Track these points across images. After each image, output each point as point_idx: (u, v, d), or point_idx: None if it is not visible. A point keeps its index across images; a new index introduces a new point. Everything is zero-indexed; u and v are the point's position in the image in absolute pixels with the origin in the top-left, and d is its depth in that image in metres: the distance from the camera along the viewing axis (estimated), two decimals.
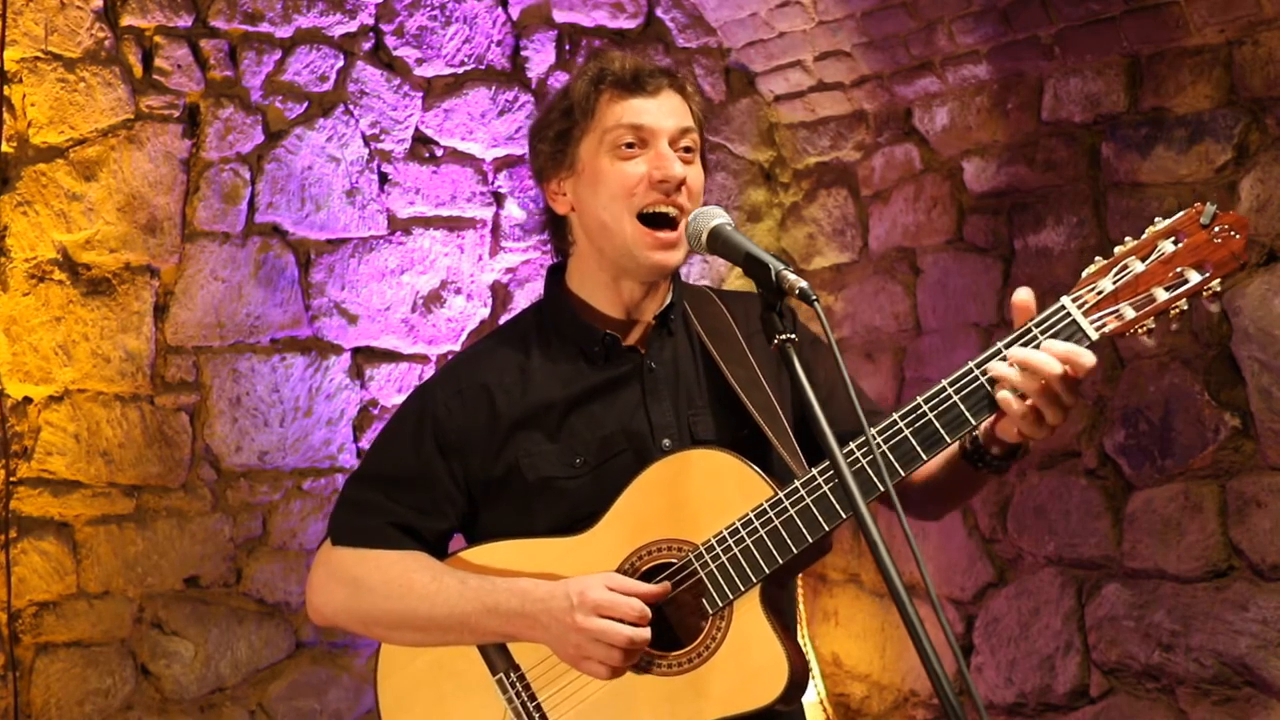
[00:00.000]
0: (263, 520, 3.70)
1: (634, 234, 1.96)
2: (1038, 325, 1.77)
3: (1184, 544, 3.32)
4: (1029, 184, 3.66)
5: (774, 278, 1.71)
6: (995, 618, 3.77)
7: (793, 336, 1.70)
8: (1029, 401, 1.75)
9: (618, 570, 1.93)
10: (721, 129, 4.34)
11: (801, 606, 4.18)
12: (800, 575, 4.09)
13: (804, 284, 1.67)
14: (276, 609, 3.69)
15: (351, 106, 3.76)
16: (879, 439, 1.81)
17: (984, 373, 1.79)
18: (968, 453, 1.91)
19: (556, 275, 2.13)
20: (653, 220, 1.98)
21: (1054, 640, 3.62)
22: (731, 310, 2.12)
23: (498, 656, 1.99)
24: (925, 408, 1.80)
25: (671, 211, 1.96)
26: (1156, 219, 1.79)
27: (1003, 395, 1.75)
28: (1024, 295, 1.81)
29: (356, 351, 3.77)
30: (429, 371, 3.84)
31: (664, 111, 1.98)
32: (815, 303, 1.65)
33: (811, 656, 4.10)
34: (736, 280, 4.34)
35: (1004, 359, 1.77)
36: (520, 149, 4.00)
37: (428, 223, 3.88)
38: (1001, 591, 3.74)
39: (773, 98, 4.36)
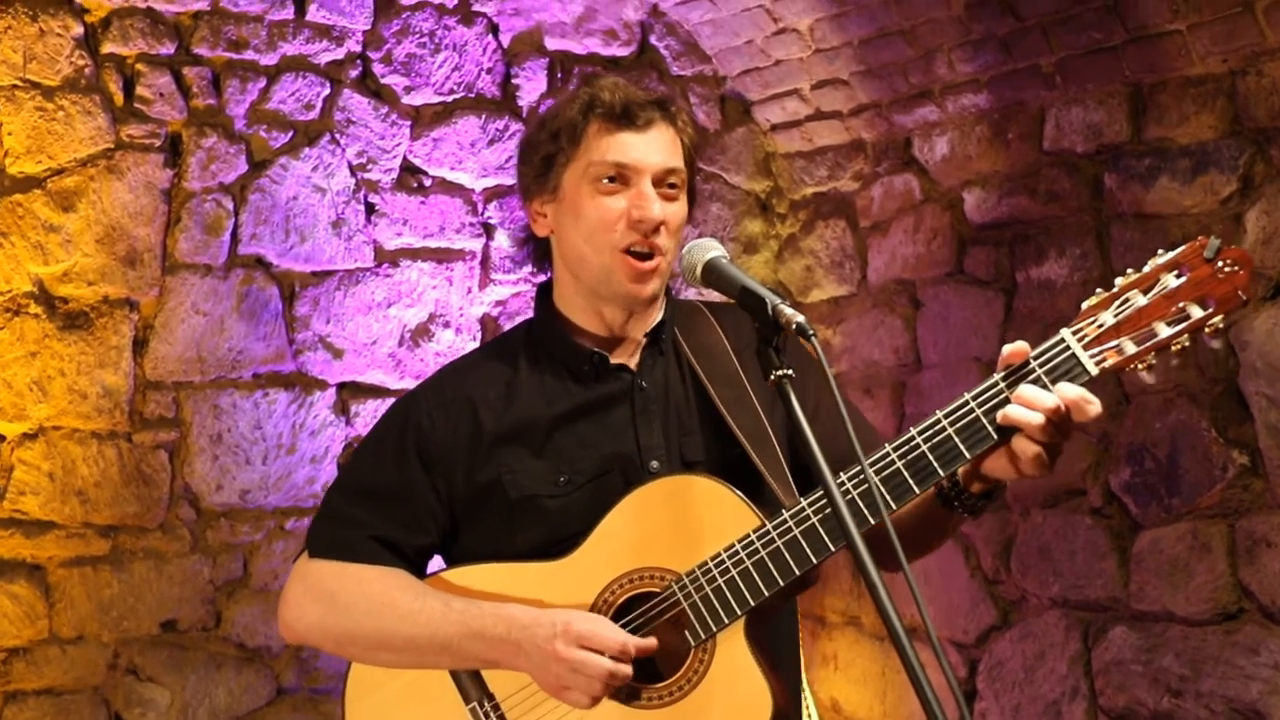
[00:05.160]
0: (243, 561, 3.68)
1: (613, 262, 1.98)
2: (1036, 358, 1.78)
3: (1192, 585, 3.31)
4: (1031, 215, 3.67)
5: (770, 312, 1.72)
6: (999, 661, 3.75)
7: (789, 373, 1.71)
8: (1036, 442, 1.76)
9: (598, 597, 1.93)
10: (717, 158, 4.35)
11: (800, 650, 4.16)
12: (799, 617, 4.07)
13: (801, 318, 1.69)
14: (257, 654, 3.65)
15: (338, 135, 3.77)
16: (872, 470, 1.80)
17: (980, 404, 1.79)
18: (943, 492, 1.91)
19: (546, 293, 2.14)
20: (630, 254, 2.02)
21: (1060, 685, 3.60)
22: (723, 324, 2.12)
23: (472, 685, 1.98)
24: (919, 439, 1.80)
25: (647, 251, 1.98)
26: (1160, 251, 1.79)
27: (1017, 434, 1.76)
28: (1018, 345, 1.81)
29: (342, 387, 3.77)
30: None
31: (652, 148, 1.99)
32: (813, 338, 1.66)
33: (810, 702, 4.08)
34: None
35: (1007, 396, 1.78)
36: (511, 179, 3.94)
37: (415, 254, 3.88)
38: (1005, 634, 3.73)
39: (769, 126, 4.38)
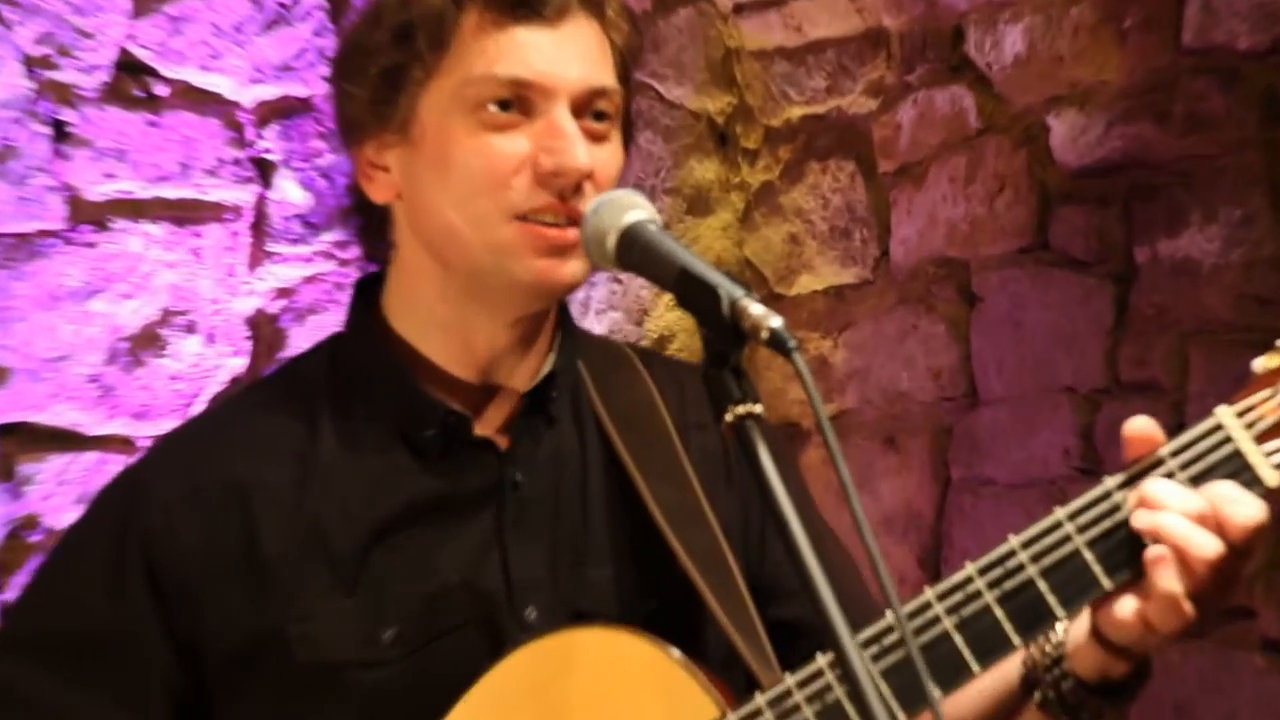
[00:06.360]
0: None
1: (508, 236, 1.99)
2: (1174, 454, 1.82)
3: None
4: (1160, 155, 3.68)
5: (726, 310, 1.70)
6: None
7: (756, 410, 1.69)
8: (1192, 572, 1.79)
9: None
10: (647, 59, 4.26)
11: None
12: None
13: (777, 322, 1.66)
14: None
15: (4, 9, 3.59)
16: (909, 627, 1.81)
17: (1082, 528, 1.83)
18: (1033, 673, 1.94)
19: (368, 298, 2.13)
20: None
21: None
22: (660, 385, 2.15)
23: None
24: (979, 581, 1.84)
25: (563, 218, 2.00)
26: None
27: (1155, 565, 1.80)
28: (1141, 425, 1.83)
29: (5, 432, 3.63)
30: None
31: (568, 55, 2.01)
32: (794, 352, 1.64)
33: None
34: (667, 314, 4.32)
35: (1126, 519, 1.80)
36: (303, 87, 3.93)
37: (139, 210, 3.78)
38: None
39: (732, 6, 4.36)
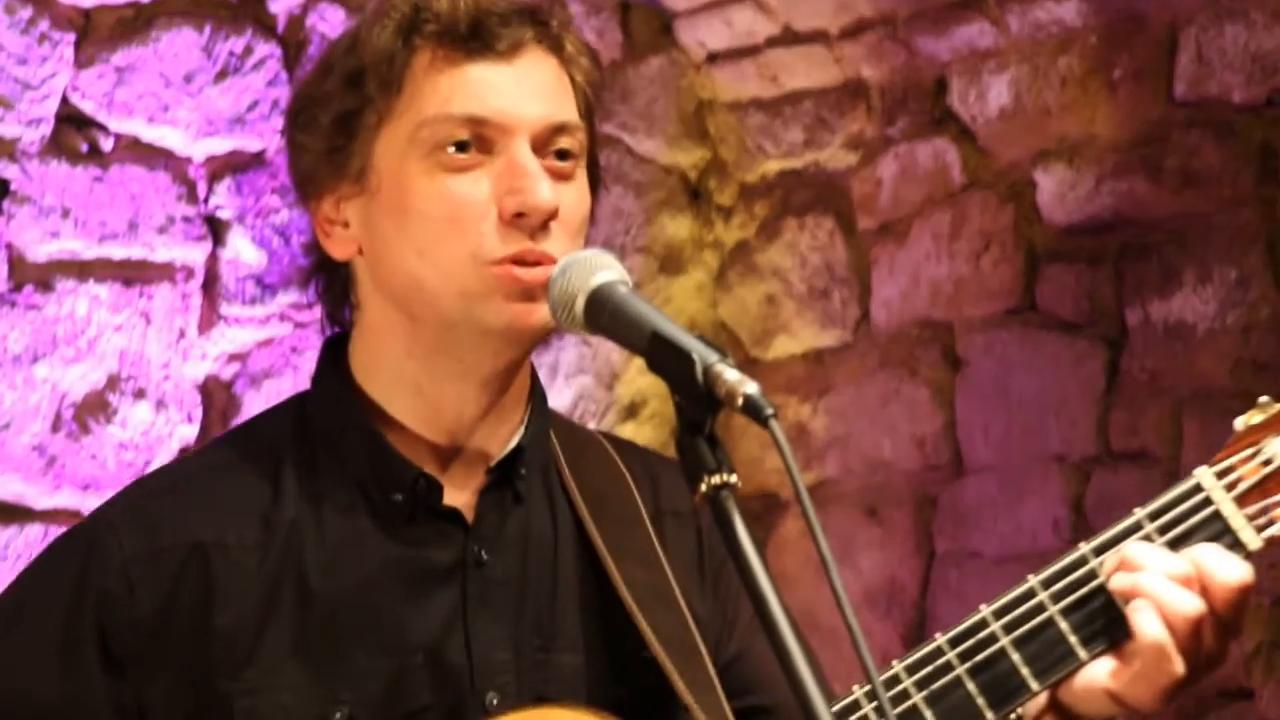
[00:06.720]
0: None
1: (479, 281, 2.01)
2: (1152, 517, 1.87)
3: None
4: (1152, 212, 3.71)
5: (700, 376, 1.72)
6: None
7: (731, 480, 1.71)
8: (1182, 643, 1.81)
9: None
10: (616, 110, 4.36)
11: None
12: None
13: (752, 387, 1.68)
14: None
15: None
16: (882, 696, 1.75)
17: (1057, 596, 1.86)
18: None
19: (336, 356, 2.14)
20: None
21: None
22: (633, 472, 2.15)
23: None
24: (950, 654, 1.88)
25: (532, 259, 2.00)
26: None
27: (1138, 612, 1.81)
28: None
29: None
30: None
31: (526, 90, 2.04)
32: (771, 420, 1.66)
33: None
34: (639, 379, 4.32)
35: (1102, 584, 1.84)
36: (256, 140, 3.99)
37: (85, 270, 3.84)
38: None
39: (705, 56, 4.37)
